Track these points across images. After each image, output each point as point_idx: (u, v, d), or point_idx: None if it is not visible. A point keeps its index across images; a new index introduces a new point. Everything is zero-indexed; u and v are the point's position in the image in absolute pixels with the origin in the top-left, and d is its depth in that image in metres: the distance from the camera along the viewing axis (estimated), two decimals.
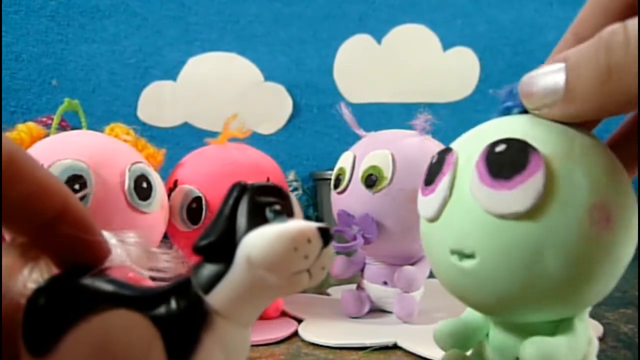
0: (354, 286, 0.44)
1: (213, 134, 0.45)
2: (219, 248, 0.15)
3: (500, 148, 0.19)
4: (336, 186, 0.42)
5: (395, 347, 0.35)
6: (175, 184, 0.41)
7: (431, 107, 0.41)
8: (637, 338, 0.36)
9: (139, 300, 0.15)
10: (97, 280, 0.16)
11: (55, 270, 0.17)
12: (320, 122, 0.89)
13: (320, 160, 0.88)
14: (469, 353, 0.24)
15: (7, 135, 0.36)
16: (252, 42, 0.87)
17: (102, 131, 0.39)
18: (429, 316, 0.40)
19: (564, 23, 0.22)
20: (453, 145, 0.22)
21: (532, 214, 0.18)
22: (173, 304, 0.15)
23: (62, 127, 0.41)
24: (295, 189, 0.80)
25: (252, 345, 0.18)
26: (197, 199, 0.39)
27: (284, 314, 0.43)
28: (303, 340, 0.37)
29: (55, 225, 0.16)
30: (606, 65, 0.16)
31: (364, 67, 0.90)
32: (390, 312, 0.42)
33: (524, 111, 0.20)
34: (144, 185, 0.36)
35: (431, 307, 0.41)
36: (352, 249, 0.41)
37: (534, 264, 0.18)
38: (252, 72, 0.87)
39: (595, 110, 0.18)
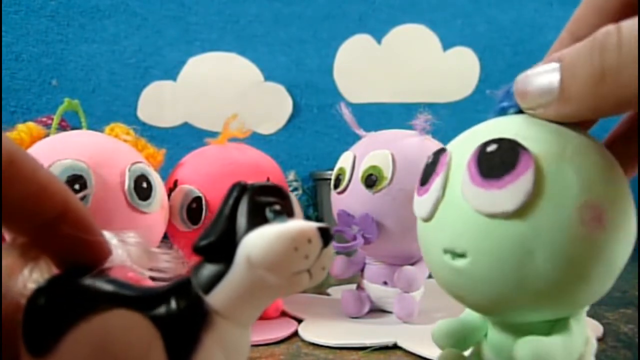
0: (354, 286, 0.44)
1: (213, 134, 0.45)
2: (219, 248, 0.15)
3: (491, 148, 0.19)
4: (336, 186, 0.42)
5: (395, 347, 0.35)
6: (175, 184, 0.41)
7: (431, 107, 0.41)
8: (637, 338, 0.36)
9: (139, 300, 0.15)
10: (97, 280, 0.16)
11: (55, 271, 0.17)
12: (320, 122, 0.88)
13: (320, 160, 0.88)
14: (467, 353, 0.24)
15: (7, 135, 0.36)
16: (252, 42, 0.87)
17: (102, 131, 0.39)
18: (429, 316, 0.40)
19: (564, 23, 0.22)
20: (448, 145, 0.22)
21: (521, 213, 0.18)
22: (173, 304, 0.15)
23: (62, 127, 0.41)
24: (295, 189, 0.80)
25: (252, 345, 0.18)
26: (197, 199, 0.39)
27: (284, 314, 0.43)
28: (303, 340, 0.37)
29: (56, 225, 0.16)
30: (600, 67, 0.16)
31: (364, 67, 0.90)
32: (390, 312, 0.42)
33: (520, 111, 0.20)
34: (144, 185, 0.36)
35: (431, 307, 0.41)
36: (352, 249, 0.41)
37: (525, 264, 0.18)
38: (252, 72, 0.87)
39: (589, 110, 0.18)
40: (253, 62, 0.87)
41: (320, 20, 0.89)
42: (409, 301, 0.40)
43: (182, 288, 0.16)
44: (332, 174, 0.43)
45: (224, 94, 0.86)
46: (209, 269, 0.15)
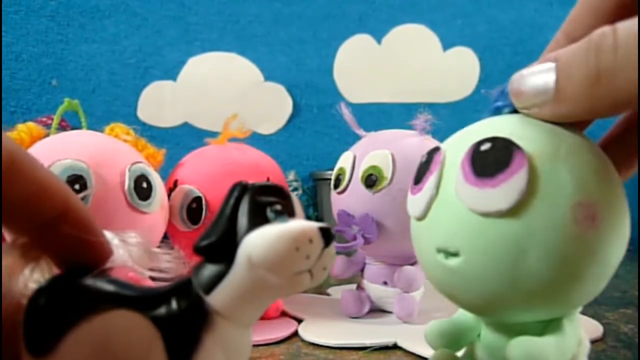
0: (354, 286, 0.44)
1: (213, 134, 0.45)
2: (220, 248, 0.15)
3: (485, 147, 0.19)
4: (336, 186, 0.42)
5: (395, 347, 0.35)
6: (175, 184, 0.41)
7: (431, 107, 0.41)
8: (637, 338, 0.36)
9: (140, 300, 0.15)
10: (98, 281, 0.16)
11: (56, 271, 0.17)
12: (320, 122, 0.89)
13: (320, 160, 0.88)
14: (460, 353, 0.24)
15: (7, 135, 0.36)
16: (252, 42, 0.87)
17: (102, 131, 0.39)
18: (429, 316, 0.40)
19: None
20: (442, 144, 0.22)
21: (515, 211, 0.18)
22: (174, 304, 0.15)
23: (62, 127, 0.41)
24: (295, 189, 0.80)
25: (252, 345, 0.18)
26: (197, 199, 0.39)
27: (284, 314, 0.43)
28: (303, 340, 0.37)
29: (57, 225, 0.16)
30: (595, 68, 0.16)
31: (364, 67, 0.90)
32: (390, 312, 0.42)
33: (515, 111, 0.20)
34: (144, 185, 0.36)
35: (431, 307, 0.41)
36: (352, 249, 0.41)
37: (518, 263, 0.18)
38: (252, 72, 0.87)
39: (585, 111, 0.18)
40: (253, 62, 0.87)
41: (320, 20, 0.89)
42: (409, 301, 0.40)
43: (182, 288, 0.16)
44: (332, 174, 0.43)
45: (224, 94, 0.86)
46: (209, 269, 0.15)
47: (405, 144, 0.40)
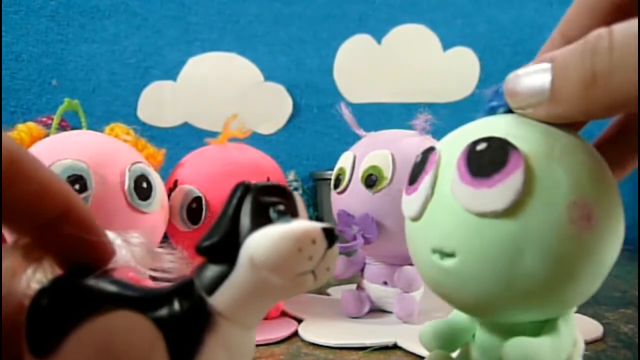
0: (354, 286, 0.44)
1: (213, 134, 0.45)
2: (222, 249, 0.15)
3: (481, 147, 0.19)
4: (336, 186, 0.42)
5: (395, 347, 0.35)
6: (175, 184, 0.41)
7: (431, 107, 0.41)
8: (637, 338, 0.36)
9: (142, 301, 0.15)
10: (100, 281, 0.16)
11: (58, 271, 0.17)
12: (320, 122, 0.89)
13: (320, 160, 0.88)
14: (455, 354, 0.24)
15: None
16: (252, 42, 0.87)
17: (102, 131, 0.39)
18: (428, 316, 0.40)
19: None
20: (437, 144, 0.22)
21: (511, 211, 0.18)
22: (176, 305, 0.15)
23: (62, 127, 0.41)
24: (296, 189, 0.80)
25: None
26: (197, 199, 0.39)
27: (284, 314, 0.43)
28: (303, 340, 0.37)
29: (58, 225, 0.16)
30: (591, 70, 0.16)
31: (364, 67, 0.90)
32: (390, 312, 0.42)
33: (509, 111, 0.20)
34: (144, 185, 0.36)
35: (431, 307, 0.41)
36: (352, 249, 0.41)
37: (514, 263, 0.18)
38: (252, 72, 0.87)
39: (580, 112, 0.18)
40: (253, 62, 0.87)
41: (320, 20, 0.89)
42: (409, 301, 0.40)
43: (185, 289, 0.16)
44: (332, 174, 0.43)
45: (224, 94, 0.86)
46: (212, 270, 0.15)
47: (405, 144, 0.40)
